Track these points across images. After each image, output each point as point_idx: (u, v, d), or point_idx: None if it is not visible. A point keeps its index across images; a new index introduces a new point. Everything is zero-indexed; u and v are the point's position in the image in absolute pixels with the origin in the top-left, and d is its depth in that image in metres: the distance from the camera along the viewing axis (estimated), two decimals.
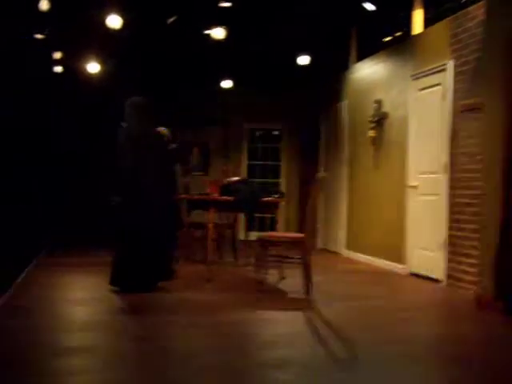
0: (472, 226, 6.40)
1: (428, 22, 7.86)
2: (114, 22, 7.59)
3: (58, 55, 9.42)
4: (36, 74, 9.96)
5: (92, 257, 8.92)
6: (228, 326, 4.73)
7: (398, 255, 8.02)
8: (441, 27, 7.29)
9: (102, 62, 9.72)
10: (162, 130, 7.04)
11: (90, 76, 9.84)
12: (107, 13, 7.56)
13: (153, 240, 6.01)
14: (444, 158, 7.00)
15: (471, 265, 6.37)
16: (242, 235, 10.13)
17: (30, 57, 9.40)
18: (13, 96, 10.52)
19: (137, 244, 5.91)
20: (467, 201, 6.54)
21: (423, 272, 7.43)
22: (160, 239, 6.12)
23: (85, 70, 9.74)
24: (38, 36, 8.63)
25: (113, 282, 5.96)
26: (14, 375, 3.31)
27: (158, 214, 6.08)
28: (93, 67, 9.65)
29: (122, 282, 5.93)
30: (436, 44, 7.34)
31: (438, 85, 7.25)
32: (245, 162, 12.35)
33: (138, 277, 5.93)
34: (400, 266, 7.93)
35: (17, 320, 4.67)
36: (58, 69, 9.91)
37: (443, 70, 7.11)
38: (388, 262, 8.30)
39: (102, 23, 7.61)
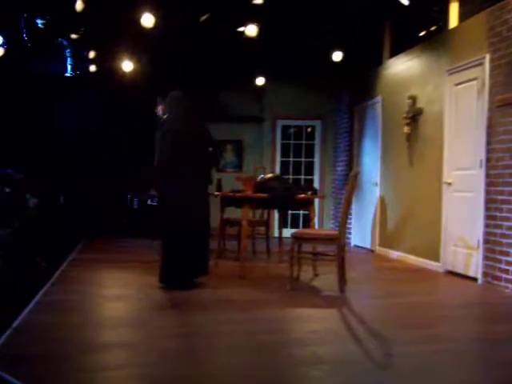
0: (509, 223, 6.29)
1: (464, 16, 7.73)
2: (148, 20, 7.64)
3: (92, 54, 9.54)
4: (71, 73, 10.10)
5: (125, 253, 9.00)
6: (262, 322, 4.73)
7: (432, 253, 7.92)
8: (477, 20, 7.16)
9: (136, 61, 9.80)
10: None
11: (124, 75, 9.93)
12: (141, 12, 7.61)
13: (194, 236, 6.04)
14: (480, 153, 6.89)
15: (509, 263, 6.27)
16: (275, 232, 10.13)
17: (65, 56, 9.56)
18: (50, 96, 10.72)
19: (181, 241, 5.94)
20: (504, 197, 6.43)
21: (459, 270, 7.33)
22: (200, 235, 6.15)
23: (119, 68, 9.83)
24: (73, 36, 8.76)
25: (162, 280, 6.00)
26: (52, 371, 3.36)
27: (198, 209, 6.11)
28: (127, 66, 9.73)
29: (169, 278, 5.98)
30: (472, 37, 7.22)
31: (474, 79, 7.13)
32: (278, 159, 12.33)
33: (181, 274, 5.97)
34: (435, 264, 7.83)
35: (53, 316, 4.74)
36: (92, 68, 10.04)
37: (480, 64, 6.99)
38: (423, 260, 8.21)
39: (136, 22, 7.67)
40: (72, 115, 11.55)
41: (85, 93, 11.31)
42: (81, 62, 10.13)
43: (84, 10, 7.43)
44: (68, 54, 10.18)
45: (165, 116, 6.27)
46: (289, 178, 11.46)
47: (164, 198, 6.16)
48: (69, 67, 10.53)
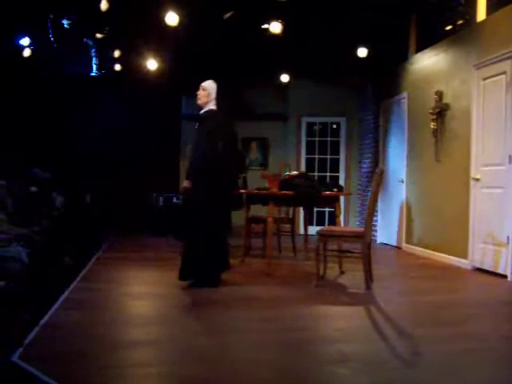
0: None
1: (492, 9, 7.61)
2: (172, 19, 7.66)
3: (117, 53, 9.60)
4: (96, 73, 10.18)
5: (150, 252, 9.05)
6: (288, 320, 4.72)
7: (460, 250, 7.82)
8: (506, 13, 7.04)
9: (161, 59, 9.84)
10: None
11: (148, 73, 9.97)
12: (165, 10, 7.63)
13: (219, 234, 6.05)
14: (509, 149, 6.78)
15: None
16: (301, 230, 10.10)
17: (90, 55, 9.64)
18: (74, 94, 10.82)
19: (206, 239, 5.94)
20: None
21: (488, 267, 7.22)
22: (223, 233, 6.15)
23: (144, 67, 9.87)
24: (98, 35, 8.82)
25: (182, 277, 6.01)
26: (81, 368, 3.38)
27: (225, 207, 6.11)
28: (151, 64, 9.77)
29: (190, 276, 5.99)
30: (500, 31, 7.10)
31: (503, 73, 7.02)
32: (303, 156, 12.29)
33: (208, 272, 5.98)
34: (463, 261, 7.73)
35: (81, 313, 4.77)
36: (118, 67, 10.10)
37: (509, 58, 6.88)
38: (450, 257, 8.11)
39: (160, 20, 7.69)
40: (98, 115, 11.65)
41: (110, 92, 11.40)
42: (106, 62, 10.19)
43: (109, 9, 7.47)
44: (93, 54, 10.26)
45: (206, 109, 6.15)
46: (314, 176, 11.42)
47: (194, 197, 6.09)
48: (94, 67, 10.61)
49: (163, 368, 3.46)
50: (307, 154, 12.27)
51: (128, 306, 5.31)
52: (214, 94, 6.16)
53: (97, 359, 3.55)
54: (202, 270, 5.95)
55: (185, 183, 6.04)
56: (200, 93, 6.16)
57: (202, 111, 6.16)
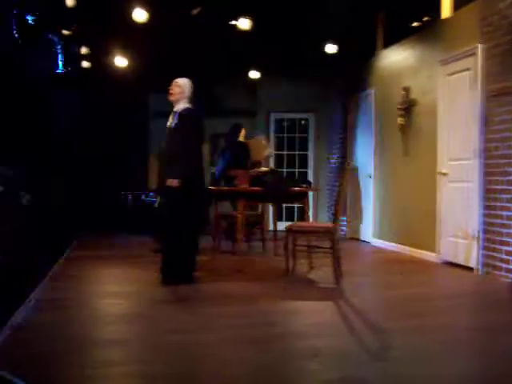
0: (509, 213, 6.28)
1: (457, 6, 7.71)
2: (140, 15, 7.60)
3: (84, 50, 9.48)
4: (62, 70, 10.05)
5: (121, 250, 8.98)
6: (259, 315, 4.72)
7: (429, 243, 7.92)
8: (470, 10, 7.14)
9: (129, 56, 9.76)
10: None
11: (117, 70, 9.87)
12: (133, 6, 7.57)
13: (195, 231, 6.03)
14: (475, 143, 6.88)
15: (509, 252, 6.26)
16: (270, 226, 10.12)
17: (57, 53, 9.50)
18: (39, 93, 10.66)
19: (183, 236, 5.92)
20: (503, 187, 6.41)
21: (458, 260, 7.32)
22: (197, 230, 6.13)
23: (112, 64, 9.77)
24: (65, 31, 8.70)
25: (163, 275, 5.97)
26: (49, 368, 3.34)
27: (198, 205, 6.09)
28: (120, 61, 9.68)
29: (169, 273, 5.96)
30: (465, 28, 7.20)
31: (467, 69, 7.12)
32: (272, 153, 12.31)
33: (182, 269, 5.96)
34: (432, 255, 7.83)
35: (53, 313, 4.71)
36: (85, 64, 9.98)
37: (473, 54, 6.98)
38: (419, 251, 8.21)
39: (128, 17, 7.62)
40: (65, 112, 11.48)
41: (77, 89, 11.25)
42: (73, 59, 10.06)
43: (75, 5, 7.38)
44: (59, 51, 10.11)
45: (183, 107, 6.10)
46: (283, 172, 11.46)
47: (177, 196, 6.04)
48: (60, 64, 10.46)
49: (136, 367, 3.44)
50: (276, 150, 12.28)
51: (100, 305, 5.26)
52: (187, 92, 6.12)
53: (72, 359, 3.50)
54: (177, 267, 5.93)
55: (174, 182, 5.89)
56: (173, 89, 6.09)
57: (181, 109, 6.07)
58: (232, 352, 3.71)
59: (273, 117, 12.30)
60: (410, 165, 8.56)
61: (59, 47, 9.89)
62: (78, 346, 3.77)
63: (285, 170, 11.93)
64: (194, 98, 6.18)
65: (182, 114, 6.03)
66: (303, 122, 12.35)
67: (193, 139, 5.97)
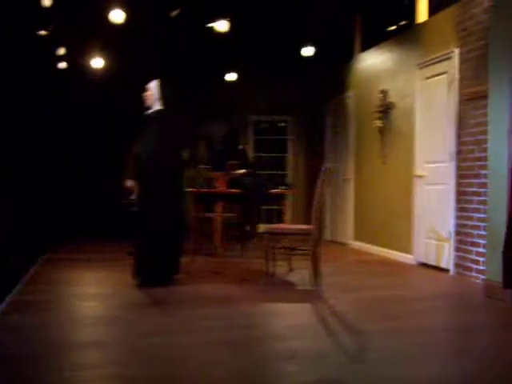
0: (480, 215, 6.38)
1: (433, 10, 7.80)
2: (117, 16, 7.57)
3: (61, 51, 9.42)
4: (40, 71, 9.97)
5: (99, 252, 8.94)
6: (237, 318, 4.73)
7: (406, 245, 8.00)
8: (446, 15, 7.24)
9: (107, 57, 9.71)
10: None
11: (94, 71, 9.82)
12: (110, 7, 7.54)
13: (170, 233, 6.02)
14: (451, 146, 6.97)
15: (479, 253, 6.37)
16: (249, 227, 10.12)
17: (33, 53, 9.41)
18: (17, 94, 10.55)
19: (157, 238, 5.92)
20: (474, 189, 6.52)
21: (431, 262, 7.42)
22: (175, 233, 6.13)
23: (89, 65, 9.72)
24: (42, 32, 8.63)
25: (136, 277, 5.98)
26: (26, 371, 3.32)
27: (175, 207, 6.09)
28: (97, 62, 9.63)
29: (143, 276, 5.95)
30: (441, 32, 7.30)
31: (444, 73, 7.21)
32: (251, 155, 12.33)
33: (158, 271, 5.95)
34: (408, 256, 7.91)
35: (27, 316, 4.68)
36: (62, 65, 9.91)
37: (449, 58, 7.07)
38: (396, 253, 8.29)
39: (106, 17, 7.59)
40: (41, 114, 11.37)
41: (54, 91, 11.14)
42: (50, 60, 9.98)
43: (52, 5, 7.33)
44: (35, 52, 10.02)
45: (155, 107, 6.11)
46: (261, 174, 11.47)
47: (145, 198, 6.07)
48: (36, 65, 10.36)
49: (113, 369, 3.43)
50: (255, 152, 12.31)
51: (77, 307, 5.23)
52: (156, 94, 6.13)
53: (48, 362, 3.48)
54: (153, 268, 5.93)
55: (128, 183, 5.98)
56: (146, 94, 6.15)
57: (150, 111, 6.12)
58: (210, 354, 3.72)
59: (252, 119, 12.32)
60: (388, 167, 8.64)
61: (35, 48, 9.81)
62: (56, 349, 3.76)
63: (264, 172, 11.94)
64: (171, 99, 6.18)
65: (151, 117, 6.08)
66: (282, 124, 12.39)
67: (159, 140, 5.98)
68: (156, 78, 6.22)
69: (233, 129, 9.77)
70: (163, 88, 6.14)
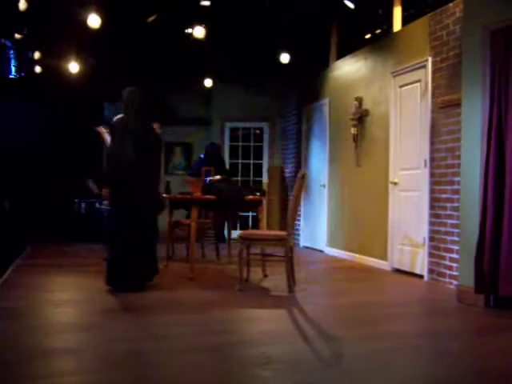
0: (452, 221, 6.46)
1: (408, 19, 7.90)
2: (94, 21, 7.53)
3: (37, 55, 9.34)
4: (15, 75, 9.88)
5: (73, 258, 8.86)
6: (212, 324, 4.72)
7: (380, 252, 8.06)
8: (420, 24, 7.33)
9: (83, 62, 9.65)
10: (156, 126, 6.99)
11: (69, 76, 9.75)
12: (87, 11, 7.50)
13: (143, 239, 6.00)
14: (425, 153, 7.05)
15: (452, 259, 6.44)
16: (225, 234, 10.11)
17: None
18: None
19: (129, 243, 5.89)
20: (448, 196, 6.60)
21: (405, 268, 7.48)
22: (149, 238, 6.11)
23: (66, 70, 9.65)
24: (17, 36, 8.56)
25: (109, 282, 5.95)
26: (2, 378, 3.28)
27: (148, 212, 6.07)
28: (73, 66, 9.56)
29: (116, 281, 5.91)
30: (415, 41, 7.39)
31: (418, 81, 7.30)
32: (227, 161, 12.33)
33: (131, 276, 5.92)
34: (383, 263, 7.97)
35: (1, 322, 4.62)
36: (37, 69, 9.83)
37: (423, 67, 7.16)
38: (371, 259, 8.35)
39: (82, 22, 7.55)
40: (17, 117, 11.27)
41: (30, 94, 11.06)
42: (25, 63, 9.90)
43: (27, 9, 7.27)
44: (12, 56, 9.95)
45: (118, 116, 6.12)
46: (237, 180, 11.50)
47: (113, 201, 6.08)
48: (13, 68, 10.29)
49: (87, 376, 3.40)
50: (230, 158, 12.32)
51: (50, 314, 5.17)
52: (125, 102, 6.14)
53: (20, 369, 3.44)
54: (126, 274, 5.90)
55: (103, 191, 6.03)
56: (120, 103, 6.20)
57: (114, 119, 6.16)
58: (184, 360, 3.71)
59: (227, 125, 12.33)
60: (363, 174, 8.70)
61: (11, 52, 9.73)
62: (29, 356, 3.71)
63: (240, 178, 11.98)
64: (139, 106, 6.18)
65: (110, 124, 6.16)
66: (258, 130, 12.42)
67: (119, 148, 5.99)
68: (129, 85, 6.22)
69: (214, 143, 9.98)
70: (131, 96, 6.15)
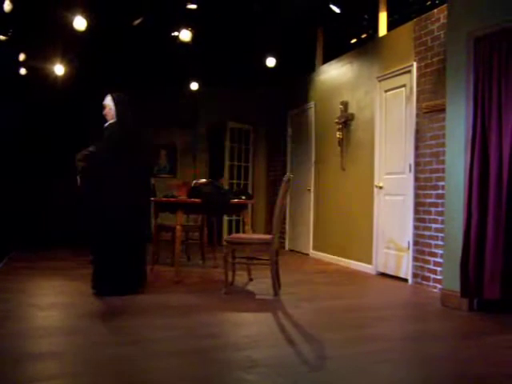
0: (437, 226, 6.51)
1: (393, 24, 7.96)
2: (80, 23, 7.50)
3: (22, 57, 9.28)
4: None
5: (58, 260, 8.80)
6: (197, 327, 4.72)
7: (365, 255, 8.10)
8: (405, 30, 7.39)
9: (68, 64, 9.60)
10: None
11: (55, 78, 9.70)
12: (72, 14, 7.47)
13: (130, 243, 5.98)
14: (409, 158, 7.10)
15: (436, 263, 6.49)
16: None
17: None
18: None
19: (115, 247, 5.87)
20: (432, 200, 6.65)
21: (390, 271, 7.52)
22: (136, 242, 6.09)
23: (50, 71, 9.59)
24: (1, 37, 8.49)
25: (93, 286, 5.93)
26: None
27: (135, 216, 6.06)
28: (58, 69, 9.51)
29: (102, 285, 5.89)
30: (400, 46, 7.44)
31: (403, 86, 7.35)
32: (212, 164, 12.32)
33: (117, 280, 5.90)
34: (368, 266, 8.01)
35: None
36: (22, 71, 9.76)
37: (408, 72, 7.22)
38: (356, 262, 8.38)
39: (68, 24, 7.51)
40: (2, 118, 11.15)
41: (14, 97, 10.96)
42: (10, 65, 9.82)
43: (12, 10, 7.22)
44: None
45: (110, 122, 6.16)
46: (222, 183, 11.48)
47: (95, 203, 6.05)
48: None
49: (69, 380, 3.39)
50: (220, 160, 12.27)
51: (34, 317, 5.13)
52: (113, 108, 6.15)
53: (3, 373, 3.42)
54: (112, 278, 5.88)
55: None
56: (105, 111, 6.20)
57: (106, 124, 6.20)
58: (169, 363, 3.70)
59: (213, 128, 12.31)
60: (348, 178, 8.74)
61: None
62: (12, 360, 3.69)
63: (231, 181, 11.97)
64: (126, 110, 6.19)
65: (103, 129, 6.18)
66: (243, 134, 12.42)
67: (109, 152, 6.01)
68: (115, 86, 6.24)
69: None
70: (117, 100, 6.16)
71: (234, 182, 12.09)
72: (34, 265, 8.30)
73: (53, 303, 5.67)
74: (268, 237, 6.26)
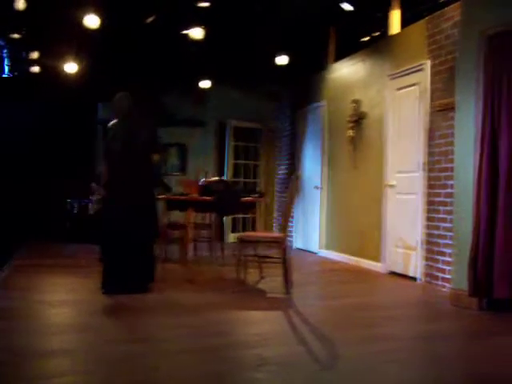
0: (447, 225, 6.49)
1: (406, 23, 7.93)
2: (92, 21, 7.53)
3: (34, 55, 9.32)
4: (8, 74, 9.85)
5: (67, 258, 8.84)
6: (208, 325, 4.73)
7: (375, 254, 8.08)
8: (417, 28, 7.36)
9: (80, 62, 9.63)
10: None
11: (67, 76, 9.73)
12: (85, 12, 7.49)
13: (139, 242, 6.00)
14: (421, 156, 7.07)
15: (446, 262, 6.46)
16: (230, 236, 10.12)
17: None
18: None
19: (124, 246, 5.89)
20: (442, 199, 6.63)
21: (399, 270, 7.50)
22: (146, 241, 6.10)
23: (62, 69, 9.63)
24: (15, 35, 8.54)
25: (104, 285, 5.94)
26: None
27: (143, 215, 6.07)
28: (70, 67, 9.54)
29: (111, 284, 5.91)
30: (413, 44, 7.41)
31: (414, 84, 7.32)
32: (224, 162, 12.32)
33: (126, 279, 5.92)
34: (378, 265, 7.99)
35: None
36: (35, 69, 9.80)
37: (420, 70, 7.19)
38: (366, 261, 8.36)
39: (80, 22, 7.54)
40: (10, 117, 11.22)
41: (25, 94, 11.02)
42: (20, 63, 9.87)
43: (26, 8, 7.25)
44: (5, 55, 9.92)
45: (112, 122, 6.16)
46: (236, 181, 11.53)
47: (106, 204, 6.08)
48: (6, 68, 10.26)
49: (80, 378, 3.41)
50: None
51: (45, 314, 5.17)
52: (120, 106, 6.19)
53: (15, 370, 3.44)
54: (122, 275, 5.90)
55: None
56: (112, 110, 6.27)
57: (110, 123, 6.23)
58: (180, 362, 3.72)
59: (224, 127, 12.31)
60: (359, 176, 8.72)
61: (5, 51, 9.70)
62: (24, 357, 3.71)
63: (242, 179, 12.01)
64: (139, 104, 6.21)
65: (107, 129, 6.22)
66: (254, 132, 12.42)
67: (113, 152, 6.04)
68: (125, 85, 6.24)
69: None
70: (124, 99, 6.17)
71: (247, 180, 12.10)
72: (42, 262, 8.35)
73: (63, 300, 5.70)
74: (279, 235, 6.27)
